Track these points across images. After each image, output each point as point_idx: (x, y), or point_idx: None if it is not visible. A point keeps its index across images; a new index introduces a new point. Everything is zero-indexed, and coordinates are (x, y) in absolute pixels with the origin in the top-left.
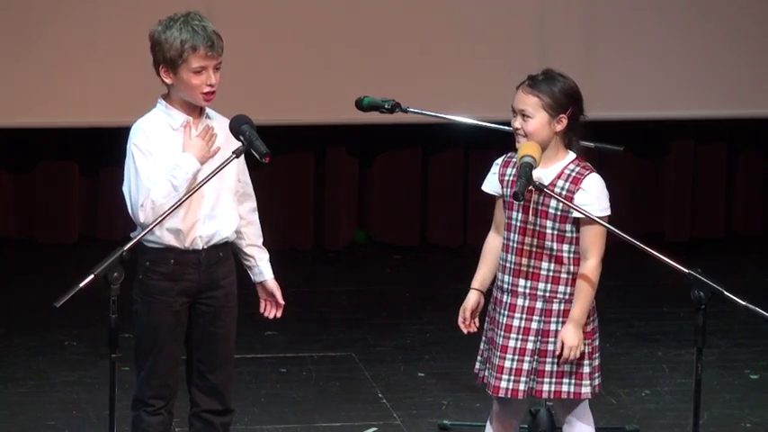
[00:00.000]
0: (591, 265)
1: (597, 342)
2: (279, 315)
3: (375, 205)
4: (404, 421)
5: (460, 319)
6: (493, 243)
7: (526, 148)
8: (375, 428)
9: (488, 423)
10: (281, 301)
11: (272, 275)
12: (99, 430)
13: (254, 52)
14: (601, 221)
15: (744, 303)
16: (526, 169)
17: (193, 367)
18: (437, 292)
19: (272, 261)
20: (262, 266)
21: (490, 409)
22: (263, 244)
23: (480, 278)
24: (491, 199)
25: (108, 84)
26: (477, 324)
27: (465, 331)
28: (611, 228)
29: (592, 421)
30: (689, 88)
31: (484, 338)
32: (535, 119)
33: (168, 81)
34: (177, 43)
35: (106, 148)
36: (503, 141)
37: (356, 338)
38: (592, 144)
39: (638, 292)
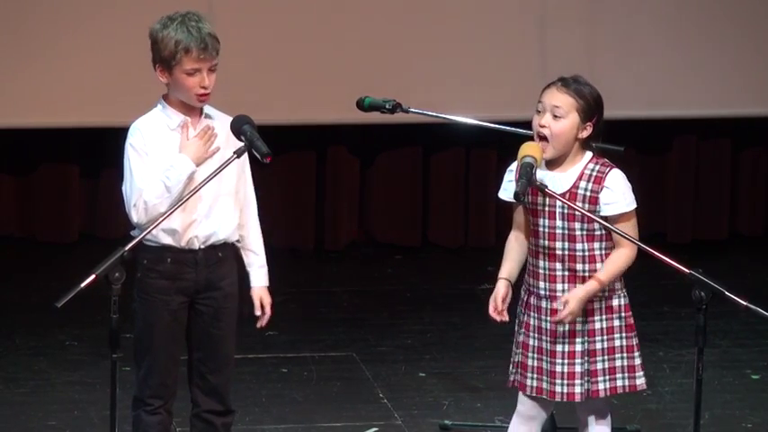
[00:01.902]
0: (624, 251)
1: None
2: (262, 324)
3: (376, 205)
4: (405, 421)
5: (491, 308)
6: (516, 240)
7: (527, 149)
8: (376, 429)
9: (515, 425)
10: (265, 312)
11: (261, 283)
12: (100, 430)
13: (255, 52)
14: (607, 225)
15: (745, 303)
16: (527, 169)
17: (194, 368)
18: (438, 292)
19: (273, 261)
20: (252, 273)
21: (493, 410)
22: (267, 245)
23: (508, 269)
24: (501, 203)
25: (108, 84)
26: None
27: (498, 320)
28: (615, 229)
29: (610, 421)
30: (691, 87)
31: (515, 341)
32: (567, 119)
33: (164, 80)
34: (171, 44)
35: (106, 149)
36: (503, 141)
37: (357, 338)
38: (593, 145)
39: (639, 291)
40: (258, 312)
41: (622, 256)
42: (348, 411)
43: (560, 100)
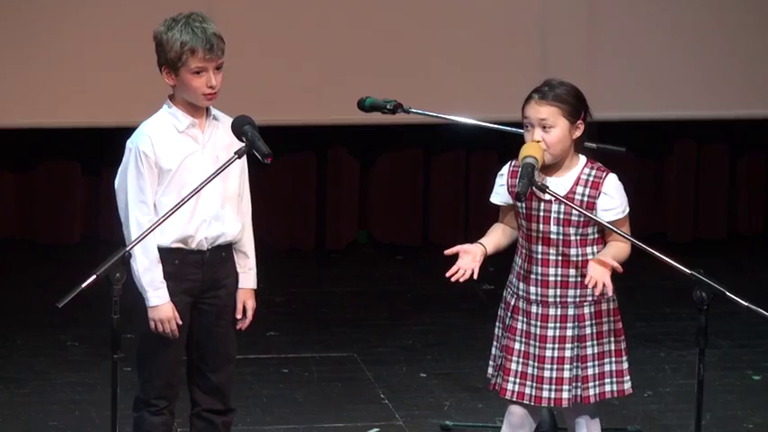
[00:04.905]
0: (626, 246)
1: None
2: (242, 328)
3: (377, 206)
4: (406, 422)
5: (453, 251)
6: (499, 227)
7: (528, 149)
8: (377, 429)
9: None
10: (246, 316)
11: (248, 286)
12: (101, 431)
13: (255, 52)
14: (612, 227)
15: (746, 304)
16: (528, 169)
17: (194, 367)
18: (439, 293)
19: (274, 262)
20: (242, 275)
21: (494, 410)
22: (268, 245)
23: (487, 240)
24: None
25: (109, 84)
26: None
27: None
28: (617, 230)
29: (599, 424)
30: (691, 89)
31: (496, 344)
32: (557, 128)
33: (170, 82)
34: (177, 45)
35: (108, 148)
36: (504, 142)
37: (358, 339)
38: (594, 145)
39: (640, 292)
40: (239, 315)
41: (626, 249)
42: (349, 412)
43: (544, 112)
